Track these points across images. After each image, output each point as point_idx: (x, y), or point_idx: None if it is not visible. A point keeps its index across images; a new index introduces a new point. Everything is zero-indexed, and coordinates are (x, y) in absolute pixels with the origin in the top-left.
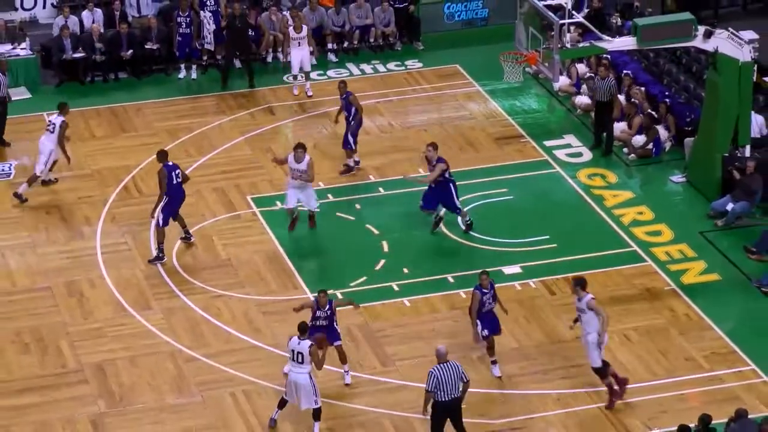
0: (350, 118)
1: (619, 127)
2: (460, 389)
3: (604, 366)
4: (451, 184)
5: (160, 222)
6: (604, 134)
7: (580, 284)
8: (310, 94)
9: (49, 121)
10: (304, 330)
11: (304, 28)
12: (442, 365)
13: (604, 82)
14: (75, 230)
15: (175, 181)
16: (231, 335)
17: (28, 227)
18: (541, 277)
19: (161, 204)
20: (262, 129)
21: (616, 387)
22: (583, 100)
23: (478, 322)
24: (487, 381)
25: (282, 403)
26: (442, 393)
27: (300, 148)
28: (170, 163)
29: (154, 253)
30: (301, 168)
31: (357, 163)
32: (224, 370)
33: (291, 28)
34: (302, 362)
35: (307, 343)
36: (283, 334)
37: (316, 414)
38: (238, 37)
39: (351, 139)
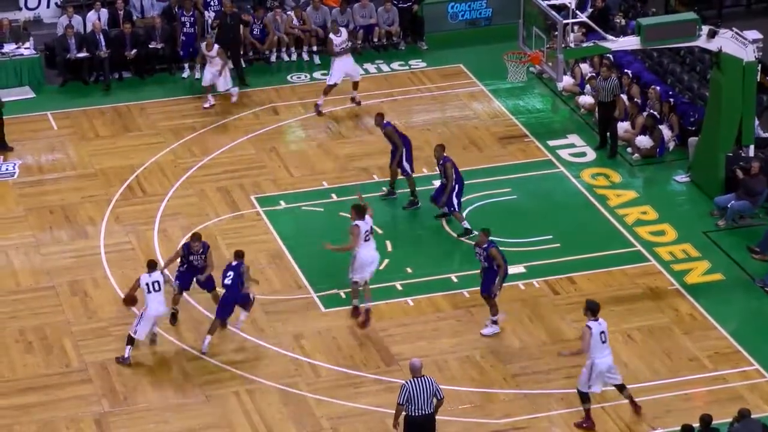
0: (453, 183)
1: (623, 126)
2: (434, 406)
3: (584, 393)
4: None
5: (410, 170)
6: (608, 134)
7: (589, 309)
8: (206, 106)
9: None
10: (153, 266)
11: (215, 47)
12: (415, 379)
13: (607, 83)
14: (79, 230)
15: (399, 131)
16: (235, 335)
17: (32, 226)
18: (545, 276)
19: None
20: (266, 129)
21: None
22: (586, 99)
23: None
24: (489, 381)
25: (131, 340)
26: (414, 408)
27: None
28: (387, 121)
29: (410, 199)
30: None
31: (468, 231)
32: (228, 370)
33: (203, 45)
34: (159, 290)
35: (158, 272)
36: (286, 334)
37: (130, 340)
38: (230, 35)
39: (454, 201)
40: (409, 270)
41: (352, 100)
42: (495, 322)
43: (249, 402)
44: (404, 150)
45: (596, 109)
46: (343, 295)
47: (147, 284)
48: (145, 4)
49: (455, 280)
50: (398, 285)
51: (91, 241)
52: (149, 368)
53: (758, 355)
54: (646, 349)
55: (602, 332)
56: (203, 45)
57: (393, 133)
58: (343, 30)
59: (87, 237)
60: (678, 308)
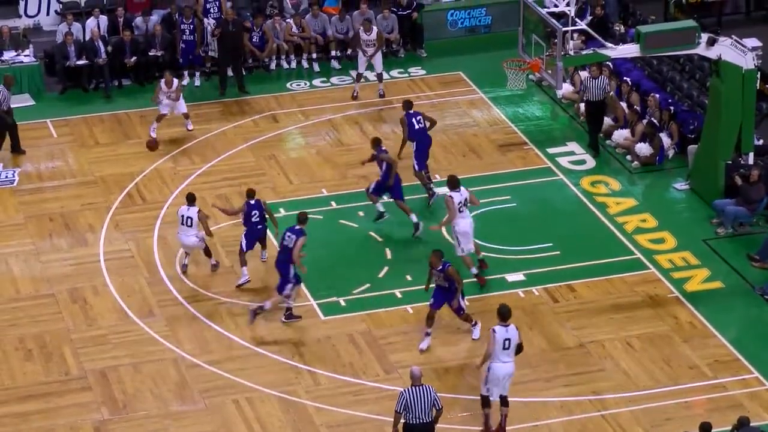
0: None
1: (622, 134)
2: (432, 415)
3: (485, 397)
4: None
5: (416, 167)
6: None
7: (499, 314)
8: (190, 128)
9: None
10: (192, 199)
11: (175, 81)
12: (414, 388)
13: (596, 81)
14: (78, 237)
15: (416, 126)
16: (234, 342)
17: (31, 234)
18: (544, 284)
19: (412, 150)
20: (266, 136)
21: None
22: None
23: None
24: None
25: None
26: (411, 416)
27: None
28: (411, 112)
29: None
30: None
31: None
32: (227, 377)
33: (162, 82)
34: (191, 226)
35: (195, 209)
36: (286, 342)
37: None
38: (231, 42)
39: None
40: (408, 278)
41: (380, 96)
42: (476, 324)
43: (249, 410)
44: (420, 146)
45: (585, 108)
46: (343, 303)
47: (182, 216)
48: (149, 28)
49: None
50: (398, 293)
51: (90, 248)
52: (148, 375)
53: (758, 363)
54: (646, 356)
55: (507, 339)
56: (162, 82)
57: (405, 124)
58: (375, 29)
59: (87, 244)
60: (678, 316)
